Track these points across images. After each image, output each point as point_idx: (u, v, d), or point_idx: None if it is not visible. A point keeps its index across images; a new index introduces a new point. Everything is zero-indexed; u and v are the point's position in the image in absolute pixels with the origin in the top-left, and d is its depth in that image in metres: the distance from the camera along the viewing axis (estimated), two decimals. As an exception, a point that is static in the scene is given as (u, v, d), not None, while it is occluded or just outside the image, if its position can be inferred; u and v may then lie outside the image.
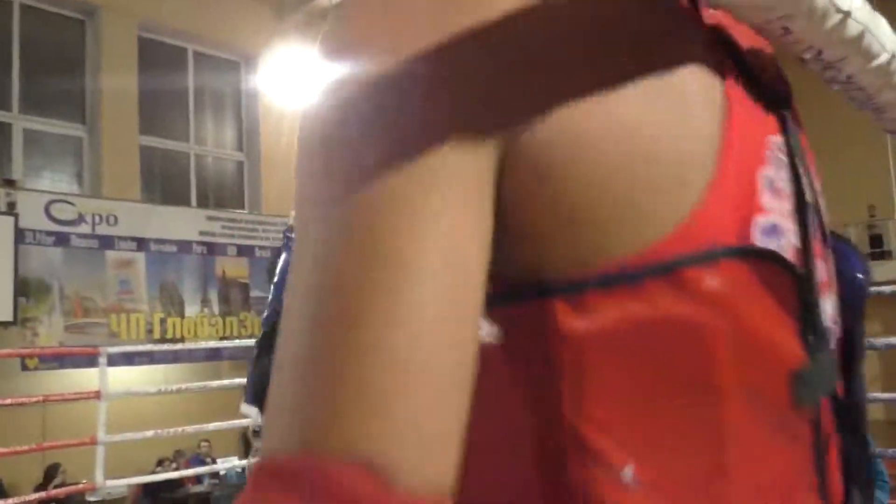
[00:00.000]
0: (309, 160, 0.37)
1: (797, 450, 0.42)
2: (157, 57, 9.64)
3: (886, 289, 3.54)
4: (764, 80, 0.44)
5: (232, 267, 8.98)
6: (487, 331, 0.38)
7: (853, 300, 0.48)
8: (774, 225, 0.39)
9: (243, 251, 9.10)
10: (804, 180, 0.43)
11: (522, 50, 0.35)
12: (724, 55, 0.42)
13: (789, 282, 0.40)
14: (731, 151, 0.38)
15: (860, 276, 0.50)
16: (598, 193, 0.35)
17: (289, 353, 0.33)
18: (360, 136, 0.34)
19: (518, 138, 0.35)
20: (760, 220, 0.38)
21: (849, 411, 0.47)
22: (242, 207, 10.10)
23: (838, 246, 0.50)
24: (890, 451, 3.96)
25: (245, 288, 9.07)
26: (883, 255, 12.00)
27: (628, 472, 0.37)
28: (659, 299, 0.36)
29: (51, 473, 7.22)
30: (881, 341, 3.74)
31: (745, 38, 0.44)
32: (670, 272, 0.36)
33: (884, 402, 8.69)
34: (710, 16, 0.43)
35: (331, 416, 0.31)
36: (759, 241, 0.38)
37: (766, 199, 0.39)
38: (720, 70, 0.41)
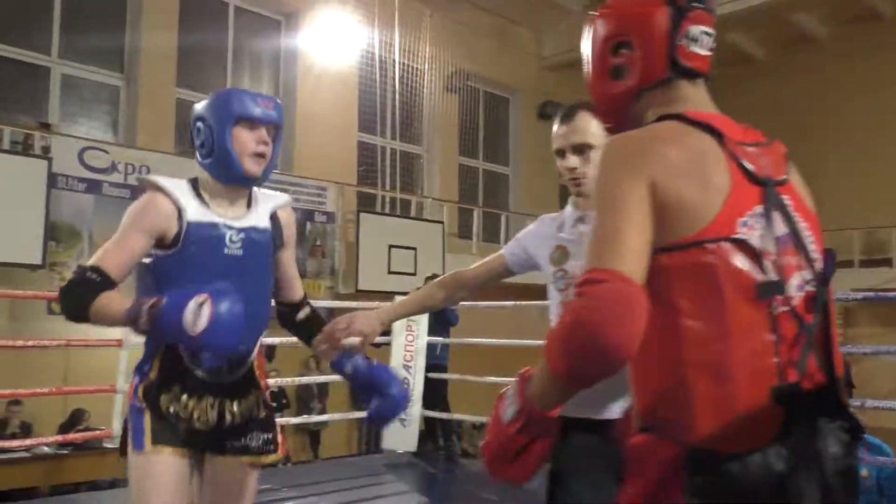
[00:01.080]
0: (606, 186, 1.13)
1: (763, 320, 1.06)
2: (198, 10, 9.56)
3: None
4: (756, 174, 1.11)
5: (260, 226, 8.93)
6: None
7: (824, 280, 1.13)
8: (745, 238, 1.07)
9: (273, 211, 9.04)
10: (776, 222, 1.10)
11: (659, 163, 1.10)
12: (733, 164, 1.11)
13: (754, 255, 1.07)
14: (725, 209, 1.07)
15: (829, 268, 1.14)
16: (679, 212, 1.08)
17: (596, 234, 1.08)
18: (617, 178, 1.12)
19: (656, 190, 1.08)
20: (736, 234, 1.07)
21: (819, 331, 1.10)
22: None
23: (828, 252, 1.16)
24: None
25: (272, 248, 9.04)
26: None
27: (689, 322, 1.06)
28: (698, 255, 1.06)
29: (76, 418, 7.29)
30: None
31: (750, 155, 1.14)
32: (700, 245, 1.06)
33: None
34: (730, 142, 1.13)
35: (607, 257, 1.04)
36: (737, 236, 1.08)
37: (740, 228, 1.07)
38: (730, 172, 1.10)
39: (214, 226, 1.78)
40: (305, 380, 8.00)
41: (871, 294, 4.84)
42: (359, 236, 9.39)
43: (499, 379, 5.46)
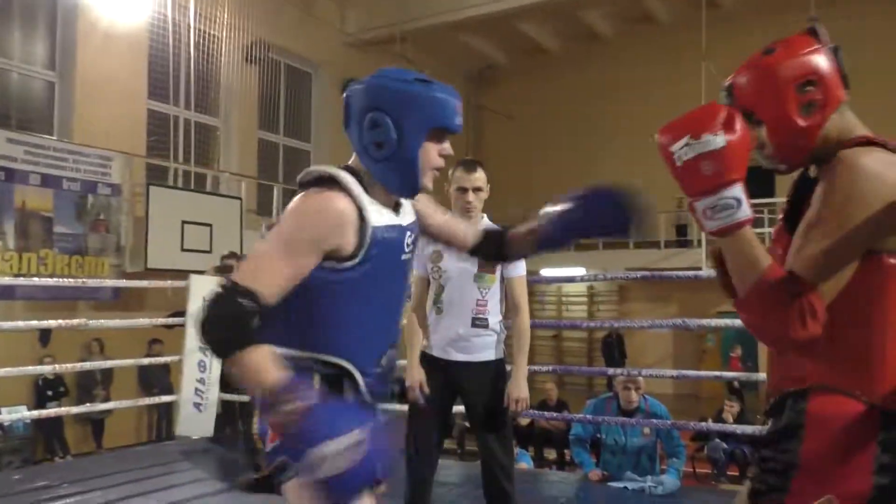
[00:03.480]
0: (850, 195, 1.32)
1: None
2: (-44, -50, 8.43)
3: (686, 274, 3.78)
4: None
5: (34, 198, 8.11)
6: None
7: None
8: None
9: (49, 181, 8.24)
10: None
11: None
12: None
13: None
14: None
15: None
16: None
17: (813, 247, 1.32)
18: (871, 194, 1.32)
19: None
20: None
21: None
22: (51, 133, 9.13)
23: None
24: (691, 423, 4.25)
25: (48, 222, 8.24)
26: (687, 244, 13.00)
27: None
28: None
29: None
30: (692, 322, 3.97)
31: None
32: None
33: (673, 378, 9.49)
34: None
35: (814, 266, 1.31)
36: None
37: None
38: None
39: (396, 229, 1.53)
40: (88, 366, 7.41)
41: (646, 273, 5.39)
42: (148, 211, 8.80)
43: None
